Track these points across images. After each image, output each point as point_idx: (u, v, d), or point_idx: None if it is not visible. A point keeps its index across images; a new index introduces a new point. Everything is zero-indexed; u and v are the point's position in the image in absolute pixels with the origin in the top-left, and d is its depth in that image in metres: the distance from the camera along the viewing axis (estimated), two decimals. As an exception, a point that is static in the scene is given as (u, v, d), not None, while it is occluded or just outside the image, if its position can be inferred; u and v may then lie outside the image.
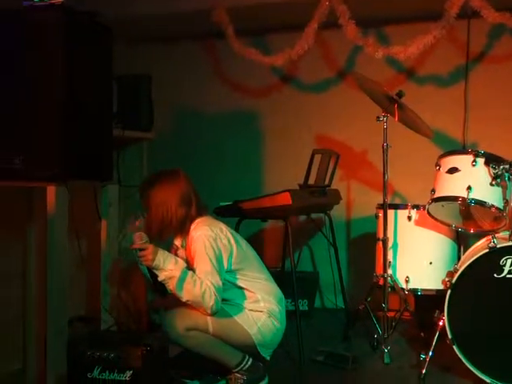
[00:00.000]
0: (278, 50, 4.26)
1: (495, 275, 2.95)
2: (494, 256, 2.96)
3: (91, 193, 3.28)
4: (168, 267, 2.67)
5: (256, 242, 4.61)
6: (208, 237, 2.80)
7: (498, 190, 3.18)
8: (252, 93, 4.81)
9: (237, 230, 3.57)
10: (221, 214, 3.53)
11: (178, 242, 2.96)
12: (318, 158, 3.82)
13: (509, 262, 2.94)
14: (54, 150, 2.73)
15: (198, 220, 2.89)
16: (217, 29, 4.31)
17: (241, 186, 4.61)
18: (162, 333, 2.71)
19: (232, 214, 3.55)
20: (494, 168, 3.15)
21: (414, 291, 3.53)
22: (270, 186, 4.42)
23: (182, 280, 2.66)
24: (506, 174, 3.15)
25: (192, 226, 2.87)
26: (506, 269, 2.94)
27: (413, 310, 3.70)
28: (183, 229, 2.88)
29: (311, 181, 3.79)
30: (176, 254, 2.90)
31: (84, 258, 3.21)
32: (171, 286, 2.67)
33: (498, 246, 2.95)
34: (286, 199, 3.33)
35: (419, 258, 3.54)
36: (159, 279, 2.68)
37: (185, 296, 2.68)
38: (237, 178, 4.73)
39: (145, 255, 2.64)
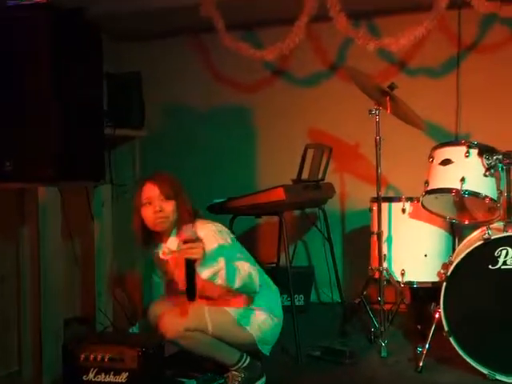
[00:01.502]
0: (269, 44, 4.23)
1: (490, 266, 2.95)
2: (488, 247, 2.95)
3: (83, 193, 3.26)
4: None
5: (250, 237, 4.62)
6: (215, 231, 2.76)
7: (492, 180, 3.17)
8: (243, 88, 4.78)
9: (231, 226, 3.56)
10: (214, 211, 3.51)
11: (172, 245, 2.85)
12: (310, 152, 3.81)
13: (503, 252, 2.93)
14: (44, 152, 2.72)
15: (196, 223, 2.81)
16: (206, 24, 4.28)
17: (234, 182, 4.59)
18: (158, 333, 2.68)
19: (226, 211, 3.53)
20: (488, 159, 3.15)
21: (409, 284, 3.53)
22: (264, 181, 4.38)
23: (229, 269, 2.60)
24: (500, 165, 3.15)
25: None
26: (501, 260, 2.94)
27: (409, 302, 3.69)
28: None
29: (304, 175, 3.78)
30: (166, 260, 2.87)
31: (78, 258, 3.19)
32: (220, 279, 2.57)
33: (493, 238, 2.95)
34: (279, 195, 3.32)
35: (414, 251, 3.53)
36: (205, 276, 2.54)
37: (238, 283, 2.62)
38: (230, 175, 4.70)
39: (197, 247, 2.50)
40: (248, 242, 4.34)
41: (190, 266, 2.51)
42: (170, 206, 2.76)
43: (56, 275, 2.86)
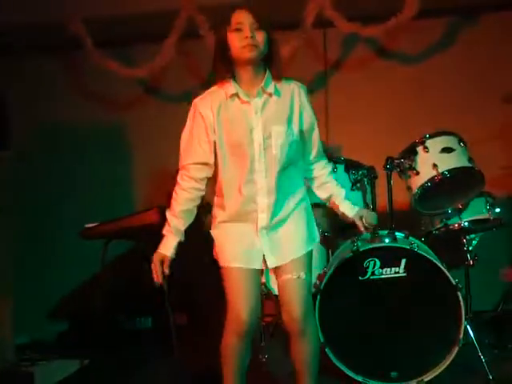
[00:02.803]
0: (141, 60, 4.20)
1: (360, 277, 3.07)
2: (357, 259, 3.07)
3: None
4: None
5: (131, 260, 4.48)
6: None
7: (359, 194, 3.32)
8: (117, 105, 4.68)
9: (105, 251, 3.46)
10: (88, 237, 3.40)
11: (270, 88, 2.44)
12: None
13: (371, 263, 3.06)
14: None
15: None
16: (76, 41, 4.17)
17: (110, 204, 4.45)
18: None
19: (98, 236, 3.43)
20: (354, 173, 3.29)
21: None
22: (142, 203, 4.32)
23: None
24: (365, 179, 3.31)
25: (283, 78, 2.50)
26: (370, 270, 3.06)
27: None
28: (280, 71, 2.48)
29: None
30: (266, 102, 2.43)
31: None
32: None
33: (361, 249, 3.07)
34: (153, 217, 3.27)
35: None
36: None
37: None
38: (105, 197, 4.53)
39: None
40: (129, 266, 4.29)
41: None
42: (261, 36, 2.37)
43: None
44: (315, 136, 2.57)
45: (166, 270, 2.45)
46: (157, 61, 4.08)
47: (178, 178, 2.49)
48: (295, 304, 2.49)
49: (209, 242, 2.60)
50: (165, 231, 2.50)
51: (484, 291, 3.95)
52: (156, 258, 2.47)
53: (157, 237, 3.34)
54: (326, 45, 4.35)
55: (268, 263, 2.49)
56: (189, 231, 2.52)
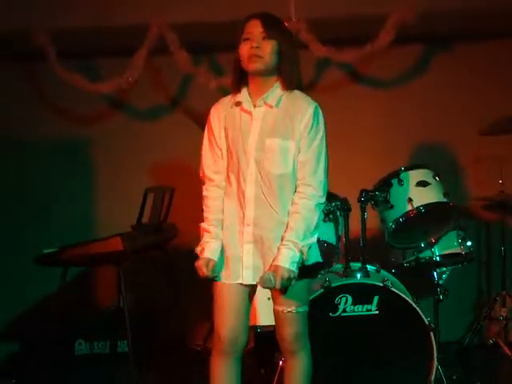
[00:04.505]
0: (109, 74, 4.05)
1: (331, 314, 2.98)
2: (328, 295, 2.98)
3: None
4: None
5: (88, 281, 4.31)
6: (324, 127, 2.45)
7: (331, 225, 3.24)
8: (81, 120, 4.47)
9: (64, 276, 3.29)
10: (45, 263, 3.22)
11: (272, 100, 2.39)
12: (151, 195, 3.64)
13: (343, 300, 2.98)
14: None
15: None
16: (39, 52, 3.98)
17: (70, 222, 4.27)
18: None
19: (58, 263, 3.25)
20: (327, 204, 3.20)
21: (253, 328, 3.47)
22: (103, 221, 4.15)
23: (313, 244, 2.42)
24: (338, 211, 3.23)
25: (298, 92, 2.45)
26: (341, 307, 2.99)
27: (253, 346, 3.65)
28: (290, 82, 2.42)
29: (146, 219, 3.62)
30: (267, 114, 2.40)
31: None
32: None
33: (333, 285, 2.98)
34: (117, 245, 3.14)
35: (258, 294, 3.47)
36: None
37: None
38: (65, 219, 4.31)
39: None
40: (85, 285, 4.13)
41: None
42: (268, 46, 2.33)
43: None
44: (305, 157, 2.38)
45: (210, 274, 2.40)
46: (125, 76, 3.93)
47: (204, 191, 2.47)
48: (287, 332, 2.50)
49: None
50: (207, 238, 2.43)
51: (449, 322, 3.91)
52: (202, 263, 2.41)
53: (120, 264, 3.27)
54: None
55: (244, 277, 2.42)
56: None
